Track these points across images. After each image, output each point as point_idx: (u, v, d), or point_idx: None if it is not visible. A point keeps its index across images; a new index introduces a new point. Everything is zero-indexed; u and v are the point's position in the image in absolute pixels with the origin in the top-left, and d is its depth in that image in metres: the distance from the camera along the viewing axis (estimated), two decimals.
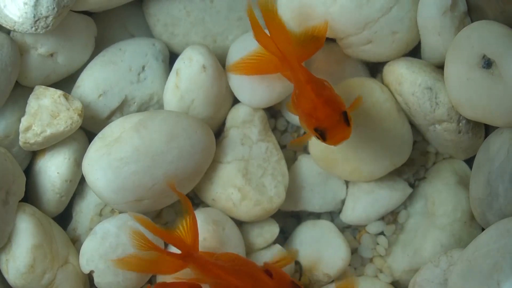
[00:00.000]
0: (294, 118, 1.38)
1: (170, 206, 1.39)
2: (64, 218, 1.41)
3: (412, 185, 1.43)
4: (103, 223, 1.33)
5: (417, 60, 1.40)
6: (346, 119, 1.18)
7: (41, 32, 1.30)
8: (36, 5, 1.27)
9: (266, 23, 1.26)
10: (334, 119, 1.18)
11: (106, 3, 1.40)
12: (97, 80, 1.39)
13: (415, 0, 1.37)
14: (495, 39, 1.28)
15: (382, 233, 1.43)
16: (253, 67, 1.34)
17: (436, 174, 1.42)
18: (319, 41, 1.30)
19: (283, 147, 1.43)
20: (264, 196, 1.36)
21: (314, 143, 1.38)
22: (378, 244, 1.42)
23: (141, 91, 1.42)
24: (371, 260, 1.42)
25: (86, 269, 1.32)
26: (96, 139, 1.34)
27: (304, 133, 1.40)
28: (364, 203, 1.40)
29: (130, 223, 1.30)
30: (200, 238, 1.25)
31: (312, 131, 1.20)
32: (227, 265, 1.22)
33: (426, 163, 1.45)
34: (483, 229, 1.33)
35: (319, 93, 1.20)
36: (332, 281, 1.39)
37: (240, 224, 1.38)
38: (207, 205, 1.40)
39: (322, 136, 1.19)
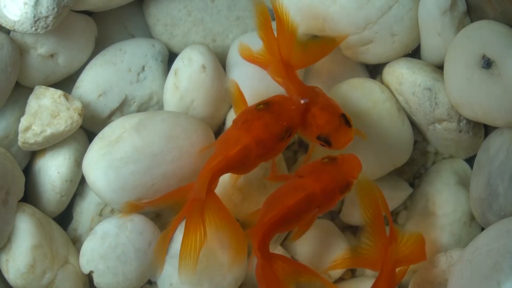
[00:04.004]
0: None
1: (169, 206, 1.38)
2: (64, 218, 1.41)
3: (412, 185, 1.43)
4: (103, 223, 1.33)
5: (417, 60, 1.41)
6: (346, 121, 1.18)
7: (41, 32, 1.30)
8: (36, 5, 1.27)
9: (277, 24, 1.26)
10: (335, 123, 1.18)
11: (106, 3, 1.40)
12: (97, 80, 1.40)
13: None
14: (495, 39, 1.28)
15: None
16: (259, 62, 1.33)
17: (436, 174, 1.42)
18: (326, 50, 1.30)
19: None
20: (265, 197, 1.35)
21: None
22: None
23: (141, 91, 1.42)
24: None
25: (86, 269, 1.32)
26: (96, 139, 1.34)
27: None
28: None
29: None
30: None
31: (315, 140, 1.20)
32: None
33: (426, 163, 1.45)
34: (483, 229, 1.33)
35: (314, 101, 1.20)
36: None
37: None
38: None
39: (326, 142, 1.18)
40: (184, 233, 1.17)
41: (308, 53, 1.29)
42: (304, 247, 1.39)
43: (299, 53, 1.26)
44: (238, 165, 1.18)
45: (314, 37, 1.38)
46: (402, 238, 1.24)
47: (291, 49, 1.25)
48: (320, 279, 1.22)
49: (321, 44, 1.30)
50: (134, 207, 1.28)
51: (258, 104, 1.18)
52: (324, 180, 1.19)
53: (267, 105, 1.17)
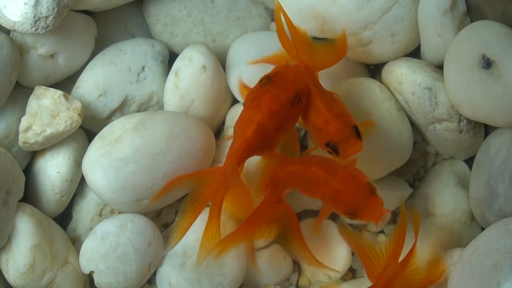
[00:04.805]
0: None
1: (170, 206, 1.39)
2: (64, 218, 1.41)
3: (412, 186, 1.42)
4: (103, 223, 1.33)
5: (417, 60, 1.41)
6: (357, 133, 1.18)
7: (41, 32, 1.30)
8: (36, 5, 1.28)
9: (289, 29, 1.25)
10: (346, 133, 1.18)
11: (107, 3, 1.40)
12: (97, 80, 1.40)
13: None
14: (495, 39, 1.28)
15: (382, 232, 1.43)
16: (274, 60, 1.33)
17: (436, 175, 1.42)
18: (340, 53, 1.29)
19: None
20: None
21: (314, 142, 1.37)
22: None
23: (140, 91, 1.42)
24: None
25: (86, 269, 1.32)
26: (96, 139, 1.34)
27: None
28: None
29: None
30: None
31: (323, 146, 1.20)
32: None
33: (426, 164, 1.44)
34: (483, 229, 1.33)
35: (329, 107, 1.20)
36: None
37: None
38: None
39: (334, 150, 1.19)
40: (208, 218, 1.19)
41: (323, 56, 1.28)
42: None
43: (316, 56, 1.26)
44: (258, 144, 1.18)
45: (321, 40, 1.37)
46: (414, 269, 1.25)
47: (310, 52, 1.25)
48: (305, 250, 1.25)
49: (333, 48, 1.29)
50: (168, 186, 1.24)
51: (261, 80, 1.19)
52: (345, 188, 1.18)
53: (269, 78, 1.19)
